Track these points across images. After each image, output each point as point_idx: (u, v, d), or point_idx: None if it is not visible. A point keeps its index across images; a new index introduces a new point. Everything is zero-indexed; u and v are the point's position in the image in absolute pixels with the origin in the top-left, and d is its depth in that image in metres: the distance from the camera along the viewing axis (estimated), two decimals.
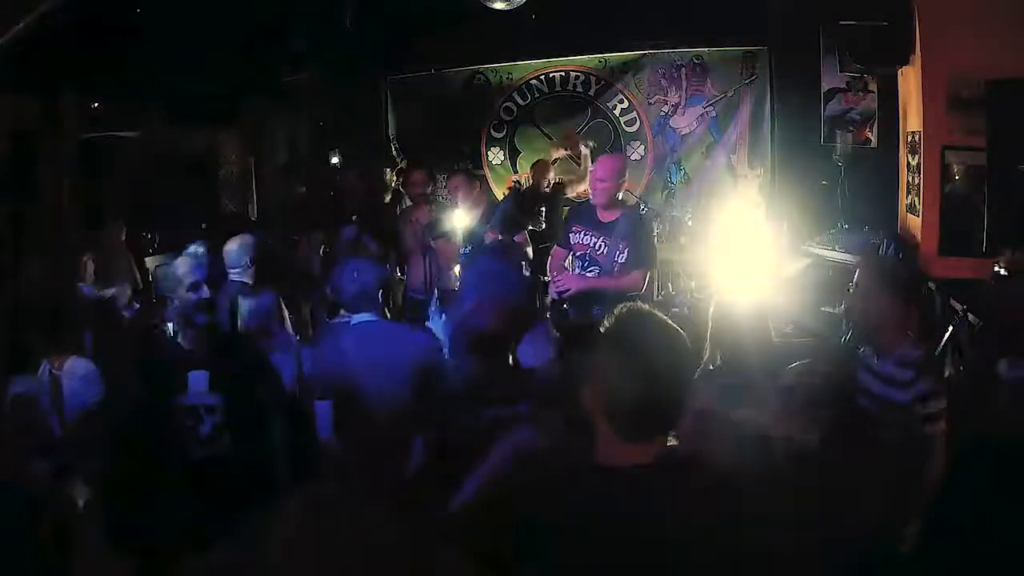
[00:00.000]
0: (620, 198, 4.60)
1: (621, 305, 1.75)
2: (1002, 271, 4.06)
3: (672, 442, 1.66)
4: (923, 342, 2.88)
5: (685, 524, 1.51)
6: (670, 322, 1.66)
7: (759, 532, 1.53)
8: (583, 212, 4.77)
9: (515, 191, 6.93)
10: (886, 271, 2.89)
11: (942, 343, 4.01)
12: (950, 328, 4.04)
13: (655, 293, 6.26)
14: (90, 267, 5.07)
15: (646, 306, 1.72)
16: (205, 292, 3.27)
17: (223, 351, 3.16)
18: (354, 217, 6.18)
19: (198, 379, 3.01)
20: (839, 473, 2.10)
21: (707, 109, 7.26)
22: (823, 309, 5.14)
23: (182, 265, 3.35)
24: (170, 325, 4.05)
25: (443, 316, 3.55)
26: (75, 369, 3.24)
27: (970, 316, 4.00)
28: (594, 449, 1.62)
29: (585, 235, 4.53)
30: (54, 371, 3.20)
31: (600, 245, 4.46)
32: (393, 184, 7.04)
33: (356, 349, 3.08)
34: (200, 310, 3.19)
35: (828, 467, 2.10)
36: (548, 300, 4.65)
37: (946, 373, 3.77)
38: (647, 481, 1.53)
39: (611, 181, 4.43)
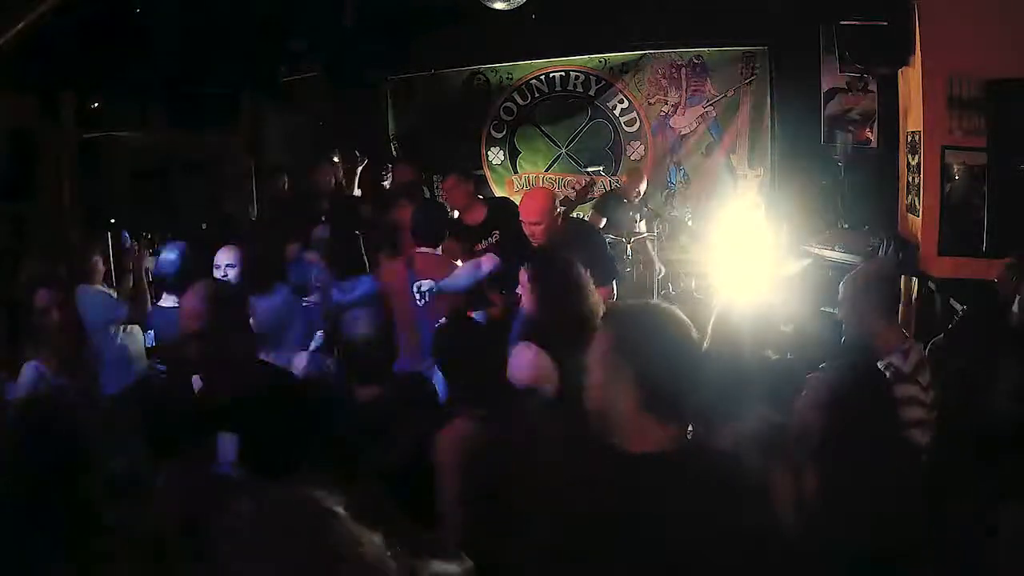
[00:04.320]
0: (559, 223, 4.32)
1: (617, 303, 1.79)
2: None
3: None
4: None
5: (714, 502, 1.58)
6: (674, 310, 1.75)
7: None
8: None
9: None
10: (868, 283, 2.90)
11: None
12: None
13: (655, 293, 6.28)
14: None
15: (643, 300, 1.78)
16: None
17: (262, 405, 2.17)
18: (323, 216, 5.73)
19: (225, 445, 2.20)
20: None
21: (707, 109, 7.26)
22: (823, 309, 5.14)
23: None
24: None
25: None
26: None
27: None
28: (617, 438, 1.69)
29: None
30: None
31: None
32: (382, 182, 6.98)
33: None
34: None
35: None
36: None
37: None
38: (680, 464, 1.62)
39: (545, 221, 4.15)
